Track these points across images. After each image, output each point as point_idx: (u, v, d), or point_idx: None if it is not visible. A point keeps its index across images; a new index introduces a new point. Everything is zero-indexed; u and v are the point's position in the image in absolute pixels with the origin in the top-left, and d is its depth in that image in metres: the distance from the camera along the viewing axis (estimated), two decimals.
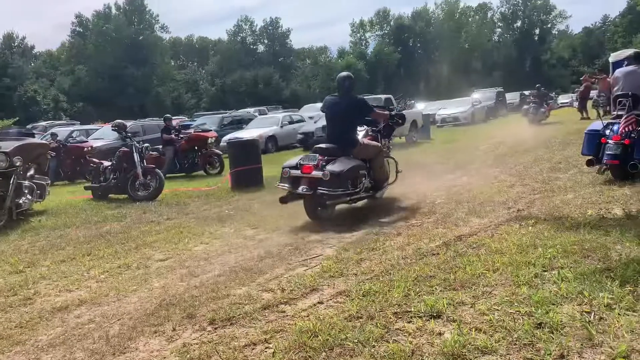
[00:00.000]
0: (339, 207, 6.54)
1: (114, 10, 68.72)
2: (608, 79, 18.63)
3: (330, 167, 6.03)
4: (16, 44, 66.92)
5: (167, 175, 13.37)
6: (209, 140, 14.18)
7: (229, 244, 5.46)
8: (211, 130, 16.68)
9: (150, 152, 14.25)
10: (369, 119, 7.08)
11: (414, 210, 6.46)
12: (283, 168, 6.42)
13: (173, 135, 13.96)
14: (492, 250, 4.19)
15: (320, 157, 6.21)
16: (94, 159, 12.31)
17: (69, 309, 3.80)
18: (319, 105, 29.99)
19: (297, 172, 6.23)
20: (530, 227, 4.85)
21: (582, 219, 4.97)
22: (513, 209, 5.88)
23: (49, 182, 9.51)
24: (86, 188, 10.54)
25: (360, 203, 6.95)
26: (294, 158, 6.59)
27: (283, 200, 6.32)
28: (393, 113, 7.48)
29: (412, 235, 5.02)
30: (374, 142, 7.00)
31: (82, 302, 3.91)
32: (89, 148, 15.27)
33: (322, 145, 6.46)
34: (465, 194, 7.20)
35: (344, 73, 7.04)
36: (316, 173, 6.04)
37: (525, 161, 10.28)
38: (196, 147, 13.87)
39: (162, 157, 13.63)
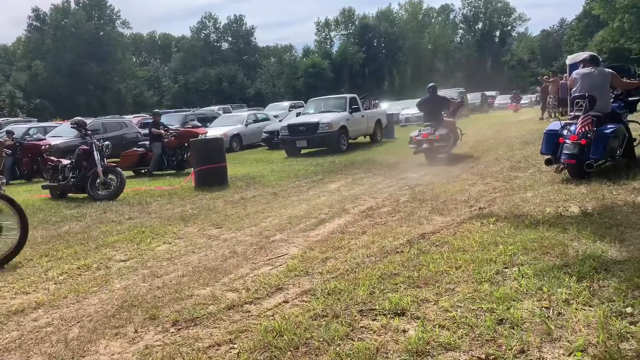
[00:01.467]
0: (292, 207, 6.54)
1: (73, 5, 66.98)
2: (561, 81, 19.32)
3: (438, 132, 10.91)
4: None
5: (155, 172, 13.10)
6: (200, 137, 13.69)
7: (193, 244, 5.39)
8: (201, 126, 16.29)
9: (136, 149, 13.95)
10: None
11: (378, 208, 6.51)
12: (410, 136, 11.34)
13: (162, 131, 13.50)
14: (454, 248, 4.26)
15: (431, 128, 11.00)
16: (52, 157, 11.94)
17: (26, 312, 3.68)
18: (285, 104, 30.18)
19: (420, 137, 11.02)
20: (491, 225, 4.95)
21: (541, 217, 5.10)
22: (475, 207, 5.99)
23: (4, 181, 9.13)
24: (44, 187, 10.23)
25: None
26: (415, 130, 11.62)
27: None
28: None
29: (376, 234, 5.06)
30: (450, 119, 11.78)
31: (39, 305, 3.79)
32: (47, 146, 14.82)
33: (429, 123, 11.24)
34: (428, 193, 7.30)
35: (432, 83, 12.17)
36: (431, 136, 10.85)
37: (486, 160, 10.50)
38: (186, 144, 13.15)
39: (149, 153, 13.33)
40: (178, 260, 4.80)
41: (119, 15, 70.79)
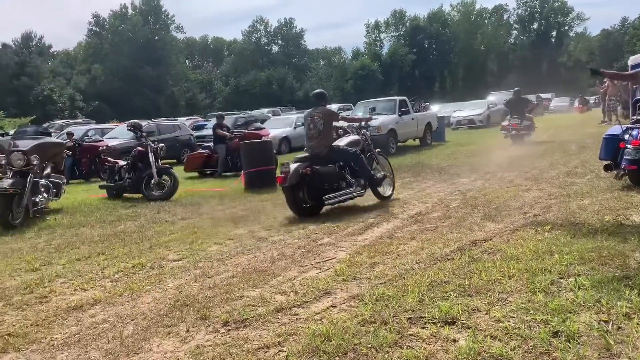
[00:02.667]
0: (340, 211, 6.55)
1: (130, 10, 69.39)
2: (619, 83, 18.46)
3: (523, 123, 15.04)
4: (34, 43, 67.76)
5: (222, 173, 13.35)
6: (263, 139, 13.79)
7: (243, 245, 5.47)
8: (264, 128, 16.47)
9: (201, 150, 14.32)
10: None
11: (428, 214, 6.42)
12: (502, 125, 15.57)
13: (226, 133, 13.72)
14: (507, 256, 4.14)
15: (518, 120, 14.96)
16: (109, 158, 12.40)
17: (84, 308, 3.83)
18: (334, 106, 30.18)
19: (510, 126, 15.16)
20: (546, 233, 4.80)
21: (600, 225, 4.91)
22: (529, 214, 5.82)
23: (65, 180, 9.62)
24: (101, 187, 10.64)
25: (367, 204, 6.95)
26: (505, 121, 15.48)
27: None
28: None
29: (426, 240, 4.99)
30: (529, 114, 15.62)
31: (96, 302, 3.94)
32: (105, 147, 15.39)
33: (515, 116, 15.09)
34: (480, 198, 7.15)
35: (517, 88, 15.97)
36: (519, 126, 14.88)
37: (541, 165, 10.19)
38: None
39: (214, 155, 13.64)
40: (228, 261, 4.88)
41: (174, 20, 72.87)
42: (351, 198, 7.25)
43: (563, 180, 8.05)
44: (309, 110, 7.95)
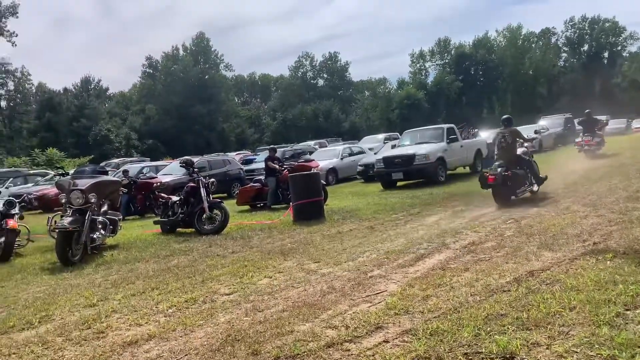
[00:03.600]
0: (389, 241, 6.43)
1: (181, 52, 72.28)
2: None
3: (595, 139, 17.68)
4: (92, 86, 71.49)
5: (272, 206, 13.54)
6: (313, 171, 13.95)
7: (292, 278, 5.46)
8: (313, 160, 16.69)
9: (253, 184, 14.63)
10: None
11: (481, 243, 6.24)
12: (576, 141, 18.65)
13: (277, 166, 13.92)
14: (567, 286, 3.96)
15: (590, 137, 17.47)
16: (163, 194, 12.77)
17: (139, 343, 3.89)
18: (380, 136, 30.19)
19: (583, 142, 17.82)
20: (608, 262, 4.57)
21: None
22: (588, 242, 5.57)
23: (121, 217, 9.93)
24: (155, 222, 10.92)
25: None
26: (579, 137, 18.12)
27: None
28: None
29: (480, 271, 4.84)
30: (600, 132, 17.24)
31: (150, 337, 4.00)
32: (158, 183, 15.87)
33: (588, 134, 17.04)
34: (536, 226, 6.91)
35: (587, 110, 16.99)
36: (591, 142, 17.48)
37: (598, 190, 9.79)
38: None
39: (264, 188, 13.90)
40: (278, 294, 4.87)
41: (223, 59, 75.39)
42: (528, 192, 10.07)
43: (624, 206, 7.70)
44: (500, 129, 10.60)
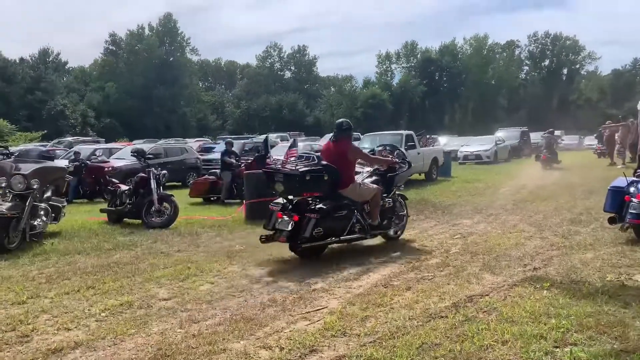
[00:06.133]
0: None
1: (147, 31, 70.42)
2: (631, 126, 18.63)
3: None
4: (51, 59, 68.91)
5: (226, 200, 13.26)
6: None
7: (234, 286, 5.35)
8: (271, 156, 16.47)
9: (207, 176, 14.32)
10: None
11: (427, 260, 6.28)
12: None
13: (233, 160, 13.75)
14: (503, 317, 4.01)
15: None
16: (114, 180, 12.40)
17: (64, 351, 3.72)
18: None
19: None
20: (545, 291, 4.67)
21: (601, 285, 4.77)
22: (529, 267, 5.69)
23: (65, 204, 9.57)
24: (102, 211, 10.58)
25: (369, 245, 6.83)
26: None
27: None
28: None
29: (421, 291, 4.86)
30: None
31: (77, 345, 3.83)
32: (110, 168, 15.43)
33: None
34: (481, 244, 7.03)
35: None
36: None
37: (545, 209, 10.07)
38: None
39: (219, 182, 13.64)
40: (217, 303, 4.77)
41: (189, 42, 73.84)
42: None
43: (567, 229, 7.93)
44: (545, 133, 21.14)
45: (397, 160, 7.65)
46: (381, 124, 52.95)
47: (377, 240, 7.37)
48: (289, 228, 6.10)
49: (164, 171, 10.34)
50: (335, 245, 6.79)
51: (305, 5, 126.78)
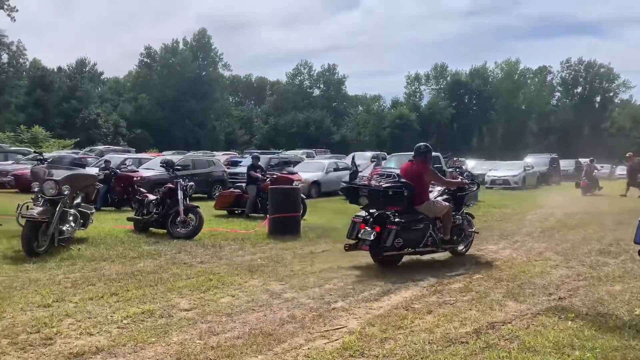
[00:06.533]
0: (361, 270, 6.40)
1: (181, 45, 72.01)
2: None
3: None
4: (87, 69, 70.84)
5: (250, 214, 13.38)
6: (294, 184, 13.72)
7: (255, 300, 5.37)
8: (296, 173, 16.65)
9: (233, 189, 14.51)
10: None
11: (449, 284, 6.21)
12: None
13: (259, 175, 13.84)
14: (525, 346, 3.93)
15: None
16: (142, 189, 12.59)
17: (85, 356, 3.78)
18: (368, 154, 30.25)
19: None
20: (569, 322, 4.56)
21: (629, 319, 4.65)
22: (554, 296, 5.58)
23: (94, 211, 9.76)
24: (129, 219, 10.76)
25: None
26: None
27: None
28: None
29: (443, 316, 4.80)
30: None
31: (99, 350, 3.89)
32: (139, 178, 15.69)
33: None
34: (505, 271, 6.91)
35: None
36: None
37: (573, 239, 9.87)
38: None
39: (244, 195, 13.77)
40: (237, 317, 4.78)
41: (222, 58, 75.23)
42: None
43: (595, 259, 7.75)
44: (588, 161, 22.18)
45: (467, 181, 8.40)
46: (408, 145, 52.54)
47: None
48: (371, 238, 6.71)
49: (191, 183, 10.48)
50: (356, 260, 6.78)
51: (337, 25, 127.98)
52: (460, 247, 7.96)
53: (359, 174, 13.85)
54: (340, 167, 22.84)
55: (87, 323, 4.52)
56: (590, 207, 16.25)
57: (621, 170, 41.98)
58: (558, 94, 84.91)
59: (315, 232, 10.41)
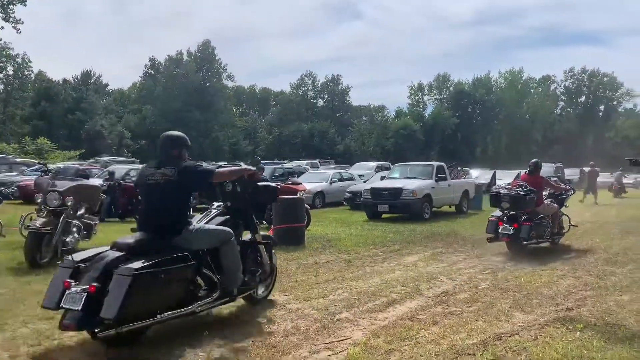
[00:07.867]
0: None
1: (185, 57, 72.35)
2: None
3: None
4: (92, 80, 71.19)
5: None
6: (299, 194, 13.40)
7: (258, 311, 5.32)
8: (301, 183, 16.64)
9: None
10: None
11: (455, 294, 6.15)
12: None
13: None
14: (533, 357, 3.87)
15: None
16: None
17: None
18: (372, 164, 30.22)
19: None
20: (578, 333, 4.49)
21: (638, 329, 4.57)
22: (562, 306, 5.50)
23: (98, 222, 9.73)
24: (132, 230, 10.68)
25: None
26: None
27: None
28: None
29: (449, 327, 4.74)
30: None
31: None
32: None
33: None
34: (512, 281, 6.84)
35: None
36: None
37: (579, 248, 9.78)
38: None
39: None
40: (241, 328, 4.72)
41: (226, 69, 75.49)
42: None
43: (602, 269, 7.67)
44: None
45: (569, 187, 10.73)
46: (412, 155, 52.76)
47: (400, 268, 7.26)
48: (511, 232, 8.79)
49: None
50: (361, 270, 6.72)
51: (341, 36, 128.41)
52: (559, 239, 10.08)
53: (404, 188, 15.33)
54: (345, 178, 22.82)
55: (88, 335, 4.47)
56: (596, 217, 16.14)
57: (627, 179, 41.77)
58: (562, 103, 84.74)
59: (320, 242, 10.37)
